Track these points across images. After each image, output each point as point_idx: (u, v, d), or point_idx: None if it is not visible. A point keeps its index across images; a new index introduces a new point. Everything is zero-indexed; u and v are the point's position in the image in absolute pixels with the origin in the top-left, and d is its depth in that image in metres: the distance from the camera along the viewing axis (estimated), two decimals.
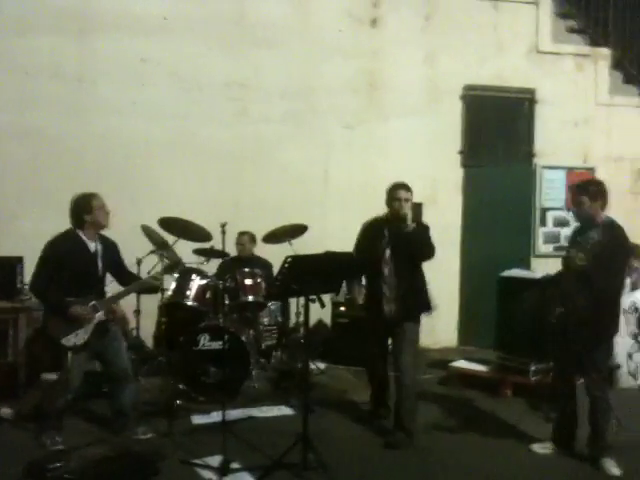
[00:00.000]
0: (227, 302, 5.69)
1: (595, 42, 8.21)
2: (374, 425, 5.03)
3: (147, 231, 5.48)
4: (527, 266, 6.78)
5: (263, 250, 6.55)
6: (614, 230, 4.27)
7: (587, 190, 4.34)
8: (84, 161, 6.85)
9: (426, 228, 4.91)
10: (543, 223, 7.52)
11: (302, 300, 4.60)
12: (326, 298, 4.38)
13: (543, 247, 7.43)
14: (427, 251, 4.77)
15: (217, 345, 5.39)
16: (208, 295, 5.65)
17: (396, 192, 4.78)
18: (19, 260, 5.85)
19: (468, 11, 7.78)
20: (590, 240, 4.11)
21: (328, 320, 7.01)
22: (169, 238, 5.65)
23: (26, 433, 4.63)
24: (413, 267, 4.87)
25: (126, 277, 4.76)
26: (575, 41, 8.21)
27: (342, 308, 6.78)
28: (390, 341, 4.94)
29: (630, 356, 6.17)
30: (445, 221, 7.66)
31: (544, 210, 7.51)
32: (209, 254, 5.82)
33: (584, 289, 4.19)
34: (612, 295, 4.30)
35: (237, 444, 4.34)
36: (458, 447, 4.71)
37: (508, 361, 5.89)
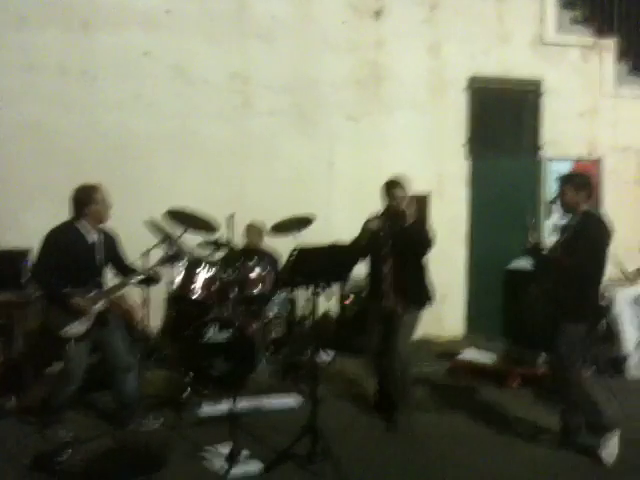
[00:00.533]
0: (233, 294, 5.67)
1: (600, 32, 8.16)
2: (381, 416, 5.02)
3: (153, 224, 5.48)
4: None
5: (269, 243, 6.54)
6: (589, 217, 4.41)
7: (572, 181, 4.51)
8: (88, 155, 6.83)
9: (422, 225, 5.03)
10: (549, 215, 7.49)
11: (309, 292, 4.61)
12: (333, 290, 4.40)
13: (549, 239, 7.39)
14: (422, 247, 4.85)
15: (223, 337, 5.38)
16: (214, 288, 5.64)
17: (391, 192, 4.87)
18: (24, 254, 5.84)
19: (472, 2, 7.75)
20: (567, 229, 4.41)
21: (335, 312, 7.01)
22: (175, 230, 5.67)
23: (32, 427, 4.61)
24: (413, 261, 4.92)
25: (124, 270, 4.75)
26: (580, 32, 8.16)
27: (349, 299, 6.77)
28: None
29: (638, 347, 6.14)
30: (451, 213, 7.66)
31: (551, 201, 7.46)
32: (215, 246, 5.81)
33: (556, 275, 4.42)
34: (579, 278, 4.32)
35: (244, 435, 4.35)
36: (465, 438, 4.70)
37: (515, 352, 5.88)
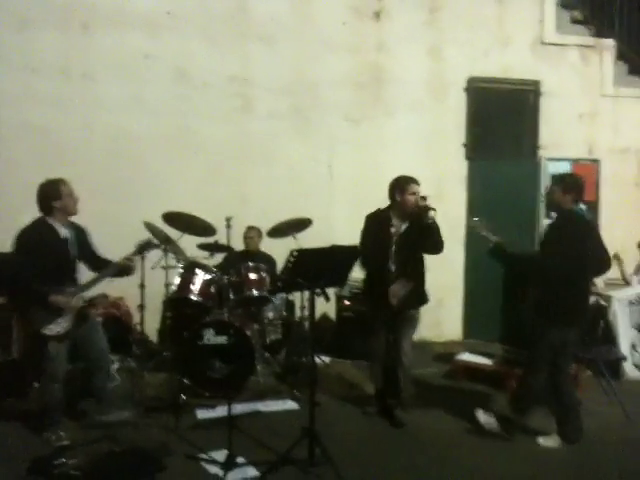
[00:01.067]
0: (232, 297, 5.68)
1: (600, 33, 8.13)
2: (381, 419, 5.04)
3: (150, 227, 5.48)
4: None
5: (267, 245, 6.54)
6: (569, 215, 4.46)
7: (562, 181, 4.55)
8: (88, 157, 6.84)
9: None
10: (548, 215, 7.48)
11: (307, 294, 4.60)
12: (331, 292, 4.38)
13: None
14: (441, 243, 4.86)
15: (222, 340, 5.38)
16: (213, 290, 5.64)
17: (410, 186, 4.84)
18: None
19: (472, 3, 7.72)
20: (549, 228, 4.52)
21: (333, 314, 7.01)
22: (173, 233, 5.67)
23: (30, 430, 4.62)
24: (417, 260, 4.94)
25: (98, 262, 4.69)
26: (580, 32, 8.14)
27: (347, 302, 6.76)
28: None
29: (634, 347, 6.15)
30: (450, 214, 7.61)
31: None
32: (213, 248, 5.81)
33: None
34: (557, 279, 4.34)
35: (242, 439, 4.34)
36: (464, 440, 4.70)
37: (513, 354, 5.87)
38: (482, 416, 4.77)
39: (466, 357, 6.29)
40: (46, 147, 6.75)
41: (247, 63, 7.29)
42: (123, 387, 5.60)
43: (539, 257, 4.59)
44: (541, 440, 4.60)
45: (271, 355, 6.18)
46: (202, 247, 5.85)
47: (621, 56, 8.21)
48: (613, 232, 6.52)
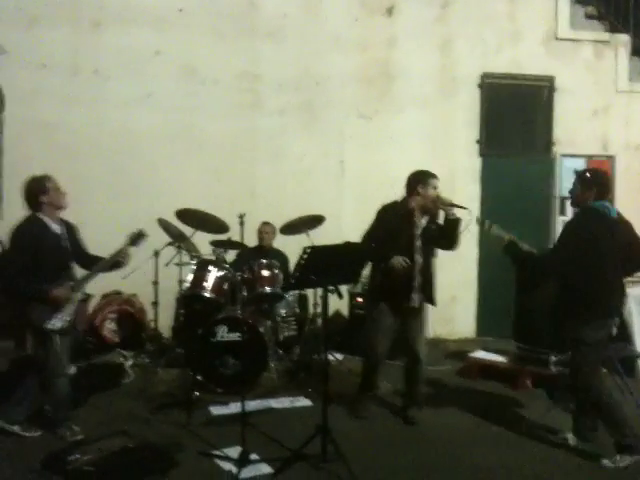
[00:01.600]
0: (244, 293, 5.67)
1: (614, 28, 8.05)
2: (393, 415, 5.03)
3: (164, 224, 5.49)
4: None
5: (280, 242, 6.54)
6: (586, 211, 4.33)
7: (583, 177, 4.40)
8: (99, 154, 6.88)
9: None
10: (562, 212, 7.45)
11: (320, 291, 4.59)
12: (343, 289, 4.36)
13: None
14: (459, 239, 4.85)
15: (235, 337, 5.37)
16: (225, 286, 5.64)
17: (432, 180, 4.83)
18: None
19: None
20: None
21: (345, 311, 7.00)
22: (186, 230, 5.68)
23: (44, 425, 4.62)
24: (431, 257, 4.91)
25: (87, 260, 4.65)
26: (594, 27, 8.06)
27: (359, 299, 6.75)
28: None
29: None
30: (462, 211, 7.59)
31: (563, 199, 7.45)
32: (226, 245, 5.81)
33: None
34: (575, 277, 4.24)
35: (255, 435, 4.33)
36: (477, 438, 4.67)
37: (527, 352, 5.84)
38: (573, 440, 4.53)
39: (480, 355, 6.26)
40: (55, 143, 6.79)
41: (256, 59, 7.29)
42: (136, 383, 5.62)
43: (549, 255, 4.53)
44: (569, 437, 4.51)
45: (284, 352, 6.18)
46: (215, 244, 5.85)
47: (636, 51, 8.12)
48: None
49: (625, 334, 5.96)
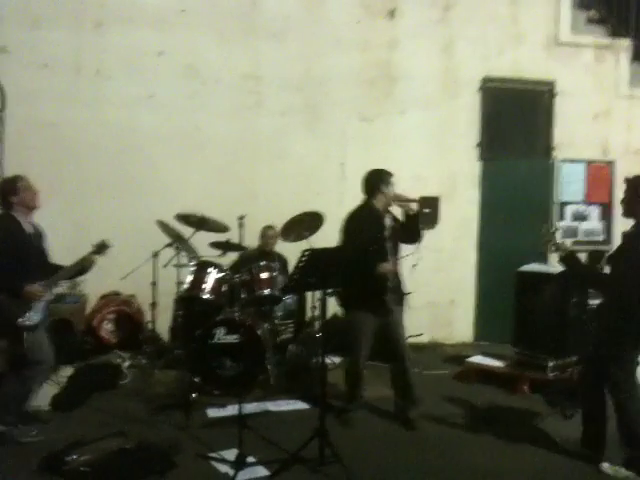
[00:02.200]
0: (243, 296, 5.67)
1: (615, 33, 8.07)
2: (390, 418, 5.03)
3: (163, 226, 5.48)
4: (545, 261, 6.70)
5: (280, 243, 6.52)
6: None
7: (636, 185, 4.11)
8: (100, 154, 6.87)
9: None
10: (562, 217, 7.45)
11: (318, 294, 4.58)
12: None
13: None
14: (420, 232, 4.89)
15: (233, 339, 5.38)
16: (224, 288, 5.64)
17: (392, 179, 4.85)
18: None
19: (486, 1, 7.69)
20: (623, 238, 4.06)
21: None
22: (186, 231, 5.67)
23: (41, 426, 4.63)
24: (398, 256, 4.94)
25: (49, 268, 4.60)
26: (595, 32, 8.08)
27: None
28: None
29: None
30: (462, 215, 7.61)
31: (563, 204, 7.45)
32: (225, 247, 5.80)
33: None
34: (627, 298, 3.96)
35: (252, 438, 4.33)
36: (473, 444, 4.67)
37: (525, 357, 5.84)
38: (609, 469, 4.19)
39: (478, 359, 6.26)
40: (57, 143, 6.79)
41: (258, 60, 7.29)
42: (134, 384, 5.62)
43: (608, 275, 4.13)
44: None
45: (282, 354, 6.17)
46: (214, 245, 5.84)
47: (637, 56, 8.13)
48: None
49: None
